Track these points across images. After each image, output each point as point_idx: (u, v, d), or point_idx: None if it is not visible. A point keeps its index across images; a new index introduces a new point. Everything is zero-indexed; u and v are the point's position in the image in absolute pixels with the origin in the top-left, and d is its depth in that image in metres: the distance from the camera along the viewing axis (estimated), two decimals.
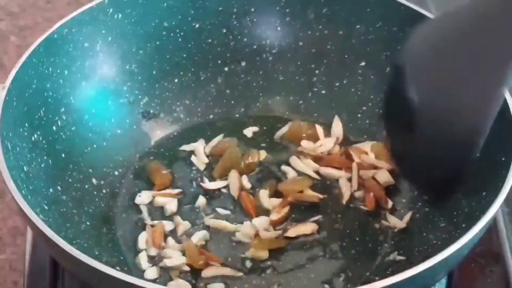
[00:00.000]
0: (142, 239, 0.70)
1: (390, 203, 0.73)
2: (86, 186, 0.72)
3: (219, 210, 0.73)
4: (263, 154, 0.77)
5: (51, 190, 0.68)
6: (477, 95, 0.50)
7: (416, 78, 0.51)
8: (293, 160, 0.76)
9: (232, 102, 0.81)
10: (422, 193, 0.66)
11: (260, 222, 0.71)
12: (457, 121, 0.51)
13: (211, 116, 0.81)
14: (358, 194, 0.74)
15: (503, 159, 0.64)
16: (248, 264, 0.69)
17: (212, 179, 0.75)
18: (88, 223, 0.70)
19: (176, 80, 0.80)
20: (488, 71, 0.49)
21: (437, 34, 0.53)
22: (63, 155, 0.71)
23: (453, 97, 0.50)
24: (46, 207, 0.65)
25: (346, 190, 0.74)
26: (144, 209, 0.73)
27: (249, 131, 0.79)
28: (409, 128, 0.54)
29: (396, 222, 0.72)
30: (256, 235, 0.70)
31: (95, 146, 0.75)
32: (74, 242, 0.62)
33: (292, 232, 0.71)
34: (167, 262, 0.68)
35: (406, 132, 0.54)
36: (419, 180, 0.61)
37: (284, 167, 0.76)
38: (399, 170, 0.64)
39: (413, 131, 0.53)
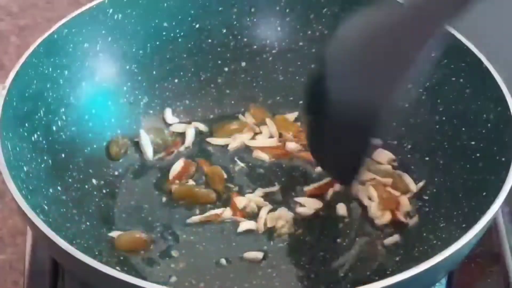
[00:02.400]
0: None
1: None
2: (86, 186, 0.72)
3: None
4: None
5: (51, 190, 0.68)
6: (377, 89, 0.57)
7: (334, 73, 0.58)
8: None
9: (232, 102, 0.81)
10: (333, 178, 0.71)
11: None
12: (361, 110, 0.58)
13: (211, 116, 0.81)
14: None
15: (503, 159, 0.64)
16: (248, 263, 0.69)
17: None
18: (88, 223, 0.70)
19: (176, 80, 0.80)
20: (388, 68, 0.56)
21: (352, 34, 0.59)
22: (63, 155, 0.71)
23: (359, 90, 0.58)
24: (46, 207, 0.65)
25: None
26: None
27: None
28: (324, 118, 0.61)
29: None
30: None
31: (95, 146, 0.75)
32: (74, 242, 0.62)
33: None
34: None
35: (322, 122, 0.62)
36: (331, 166, 0.67)
37: None
38: (315, 159, 0.70)
39: (327, 121, 0.61)
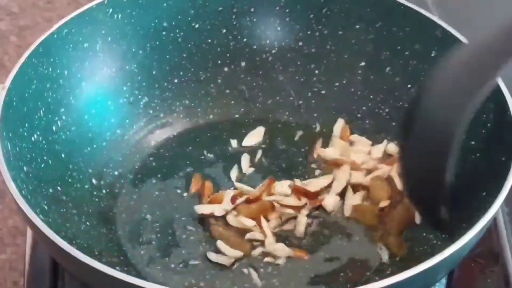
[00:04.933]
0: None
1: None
2: (86, 186, 0.72)
3: None
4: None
5: (51, 190, 0.68)
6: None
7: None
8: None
9: (232, 102, 0.81)
10: (424, 216, 0.68)
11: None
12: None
13: (211, 116, 0.81)
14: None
15: (503, 159, 0.64)
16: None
17: None
18: (88, 223, 0.69)
19: (176, 80, 0.80)
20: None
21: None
22: (63, 155, 0.71)
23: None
24: (46, 207, 0.65)
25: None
26: None
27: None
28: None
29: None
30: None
31: (95, 146, 0.75)
32: (74, 242, 0.62)
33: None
34: None
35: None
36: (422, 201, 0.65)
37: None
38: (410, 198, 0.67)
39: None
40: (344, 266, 0.69)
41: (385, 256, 0.69)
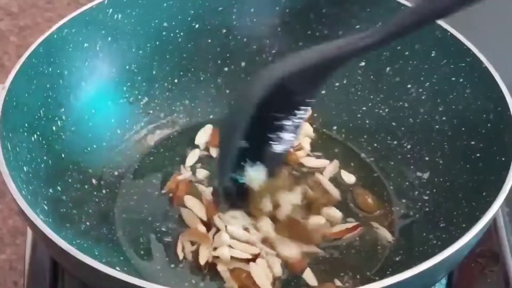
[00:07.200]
0: None
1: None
2: (86, 186, 0.72)
3: None
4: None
5: (51, 190, 0.68)
6: None
7: None
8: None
9: (232, 102, 0.81)
10: None
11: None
12: None
13: (211, 116, 0.81)
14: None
15: (503, 159, 0.64)
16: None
17: None
18: (88, 223, 0.69)
19: (176, 80, 0.80)
20: None
21: None
22: (63, 155, 0.71)
23: None
24: (46, 207, 0.65)
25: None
26: None
27: None
28: None
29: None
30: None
31: (95, 146, 0.75)
32: (74, 242, 0.62)
33: None
34: None
35: None
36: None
37: None
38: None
39: None
40: (344, 266, 0.69)
41: (387, 236, 0.71)
